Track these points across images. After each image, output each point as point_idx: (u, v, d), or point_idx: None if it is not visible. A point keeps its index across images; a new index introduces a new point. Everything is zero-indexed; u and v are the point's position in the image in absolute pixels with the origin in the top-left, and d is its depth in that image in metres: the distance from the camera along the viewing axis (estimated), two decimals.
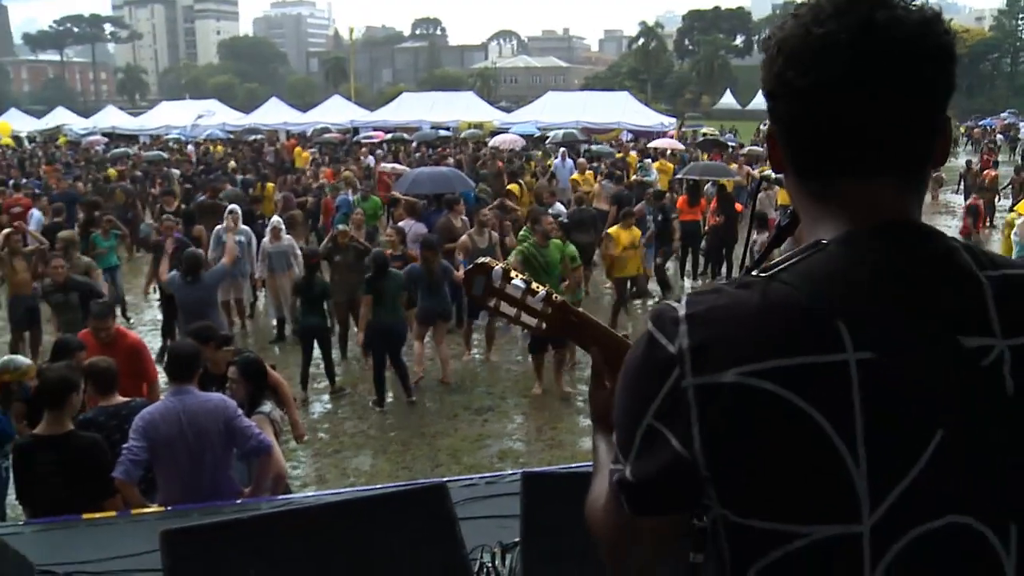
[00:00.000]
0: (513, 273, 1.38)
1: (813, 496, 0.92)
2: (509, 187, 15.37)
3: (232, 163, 24.48)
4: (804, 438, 0.91)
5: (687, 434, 0.95)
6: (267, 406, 4.98)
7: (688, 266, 14.27)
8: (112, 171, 23.53)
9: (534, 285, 1.38)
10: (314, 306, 9.04)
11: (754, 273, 1.01)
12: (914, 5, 0.99)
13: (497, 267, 1.38)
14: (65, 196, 16.13)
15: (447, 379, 9.14)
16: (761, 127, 39.22)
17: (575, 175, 18.71)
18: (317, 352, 9.09)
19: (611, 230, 11.11)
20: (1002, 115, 48.82)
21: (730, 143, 31.03)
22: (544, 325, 1.38)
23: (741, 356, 0.93)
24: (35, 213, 13.67)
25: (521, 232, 11.15)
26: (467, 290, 1.39)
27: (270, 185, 17.18)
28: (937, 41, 0.98)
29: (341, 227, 10.84)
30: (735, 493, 0.95)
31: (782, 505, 0.93)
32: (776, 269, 0.99)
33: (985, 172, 20.62)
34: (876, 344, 0.92)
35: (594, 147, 27.82)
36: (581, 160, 21.95)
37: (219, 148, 31.83)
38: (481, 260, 1.40)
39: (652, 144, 29.12)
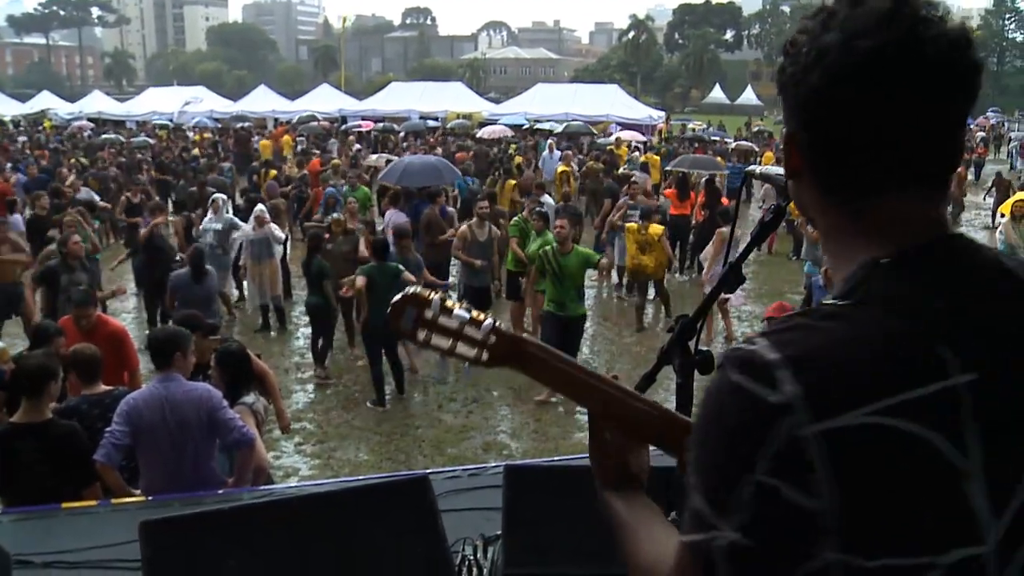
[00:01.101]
0: (454, 304, 1.28)
1: (944, 525, 0.92)
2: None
3: (197, 151, 24.18)
4: (933, 469, 0.91)
5: (813, 485, 0.90)
6: (250, 397, 4.95)
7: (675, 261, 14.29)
8: (84, 160, 23.41)
9: (479, 315, 1.28)
10: (313, 286, 9.25)
11: (828, 301, 0.98)
12: (949, 18, 0.99)
13: (435, 298, 1.28)
14: (37, 182, 15.98)
15: (415, 368, 9.13)
16: (762, 124, 39.35)
17: (562, 166, 18.69)
18: (303, 343, 9.06)
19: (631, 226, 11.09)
20: (987, 114, 49.08)
21: (714, 137, 31.07)
22: (486, 356, 1.27)
23: (862, 396, 0.90)
24: (17, 217, 13.32)
25: (514, 220, 11.13)
26: (394, 323, 1.27)
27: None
28: (973, 54, 0.99)
29: (335, 215, 10.83)
30: (866, 536, 0.92)
31: (916, 539, 0.92)
32: (848, 293, 0.98)
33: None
34: (976, 365, 0.93)
35: (600, 139, 27.78)
36: (567, 152, 21.98)
37: (206, 135, 31.49)
38: (414, 291, 1.29)
39: (616, 135, 29.30)
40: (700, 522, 0.97)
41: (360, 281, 8.24)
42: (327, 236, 10.01)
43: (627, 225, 11.38)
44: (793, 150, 1.06)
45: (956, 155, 1.03)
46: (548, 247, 8.52)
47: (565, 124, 31.83)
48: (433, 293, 1.28)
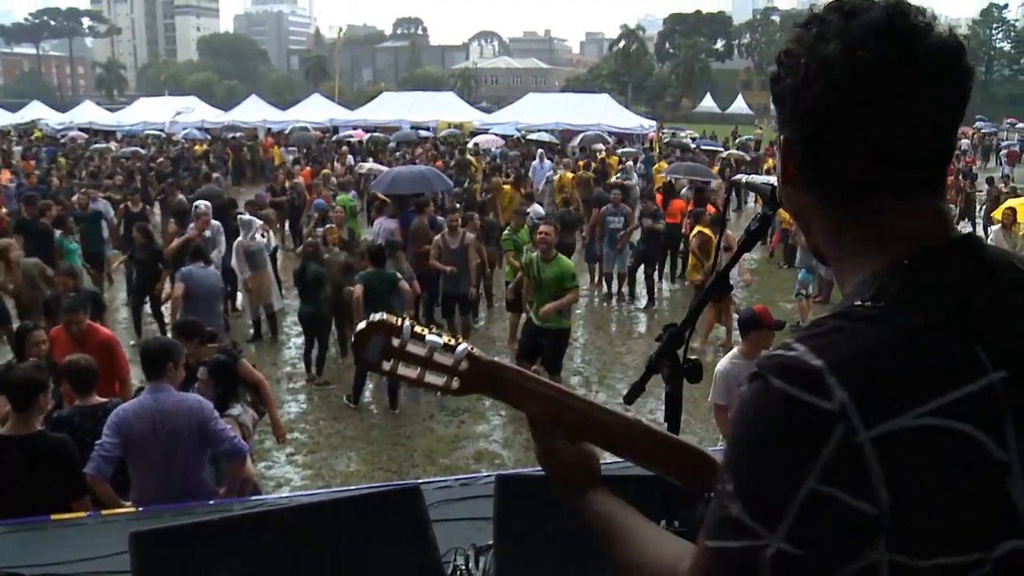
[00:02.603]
0: (425, 331, 1.23)
1: (990, 519, 0.94)
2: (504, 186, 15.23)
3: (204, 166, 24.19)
4: (980, 466, 0.93)
5: (870, 490, 0.91)
6: (236, 409, 4.93)
7: (664, 269, 14.33)
8: (63, 161, 23.33)
9: (451, 341, 1.24)
10: (307, 294, 9.28)
11: (858, 303, 0.99)
12: (938, 24, 1.01)
13: (405, 324, 1.22)
14: (35, 191, 15.92)
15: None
16: (753, 132, 39.40)
17: (565, 174, 18.71)
18: (295, 352, 9.04)
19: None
20: (976, 124, 49.29)
21: (705, 147, 31.10)
22: (456, 384, 1.24)
23: (913, 398, 0.91)
24: None
25: (504, 234, 11.18)
26: (358, 353, 1.23)
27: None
28: (966, 61, 1.02)
29: (330, 226, 10.87)
30: (919, 536, 0.93)
31: (966, 536, 0.93)
32: (879, 297, 0.99)
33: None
34: (1007, 362, 0.95)
35: (620, 151, 27.71)
36: (567, 159, 22.06)
37: (199, 148, 31.26)
38: (380, 318, 1.23)
39: (594, 146, 29.42)
40: (737, 529, 0.96)
41: (358, 290, 8.26)
42: (323, 246, 10.05)
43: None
44: (789, 157, 1.07)
45: (950, 158, 1.06)
46: (534, 254, 8.51)
47: (582, 135, 31.84)
48: (404, 319, 1.23)
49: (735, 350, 5.82)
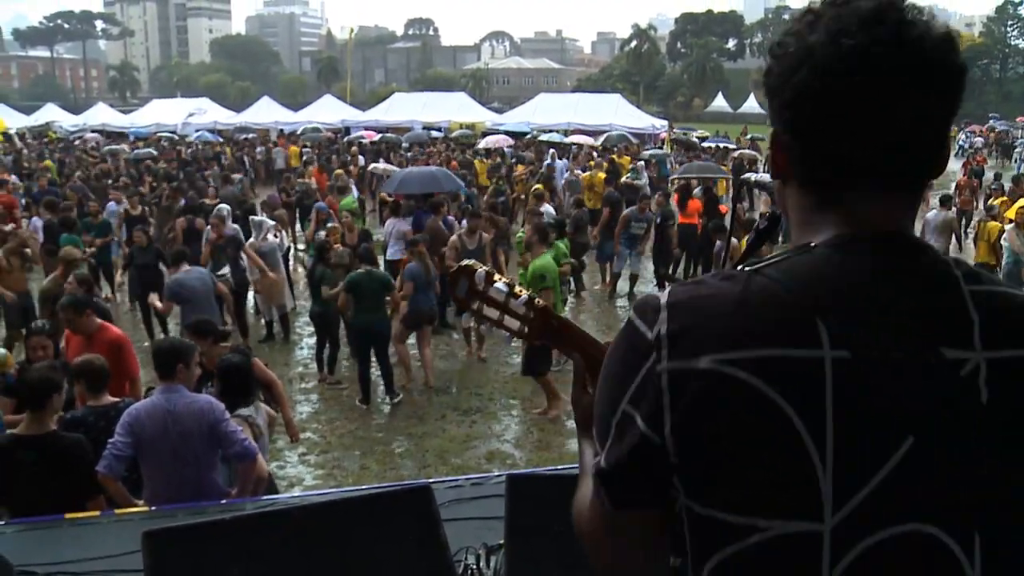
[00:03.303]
0: (496, 276, 1.37)
1: (776, 490, 0.92)
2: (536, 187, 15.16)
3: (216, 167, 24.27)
4: (772, 430, 0.91)
5: (658, 418, 0.95)
6: (247, 409, 4.94)
7: (678, 269, 14.28)
8: (49, 162, 23.34)
9: (516, 289, 1.37)
10: (315, 294, 9.37)
11: (739, 268, 1.01)
12: (935, 21, 1.01)
13: (480, 270, 1.36)
14: (47, 194, 16.02)
15: (430, 382, 9.14)
16: (762, 131, 39.27)
17: (598, 173, 18.72)
18: (307, 352, 9.08)
19: None
20: (990, 122, 48.94)
21: (711, 143, 31.04)
22: (526, 330, 1.37)
23: (717, 344, 0.94)
24: (35, 220, 13.36)
25: (518, 236, 11.19)
26: (451, 291, 1.38)
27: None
28: (956, 56, 1.00)
29: (332, 225, 10.90)
30: (700, 482, 0.95)
31: (744, 497, 0.93)
32: (760, 265, 1.00)
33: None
34: (854, 345, 0.93)
35: (649, 151, 27.65)
36: (598, 159, 22.15)
37: (217, 148, 31.10)
38: (466, 262, 1.40)
39: (572, 140, 29.45)
40: (595, 450, 1.05)
41: (342, 298, 8.46)
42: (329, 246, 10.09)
43: None
44: (778, 150, 1.07)
45: (932, 161, 1.02)
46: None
47: (605, 135, 31.81)
48: (479, 265, 1.37)
49: None
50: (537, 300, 1.37)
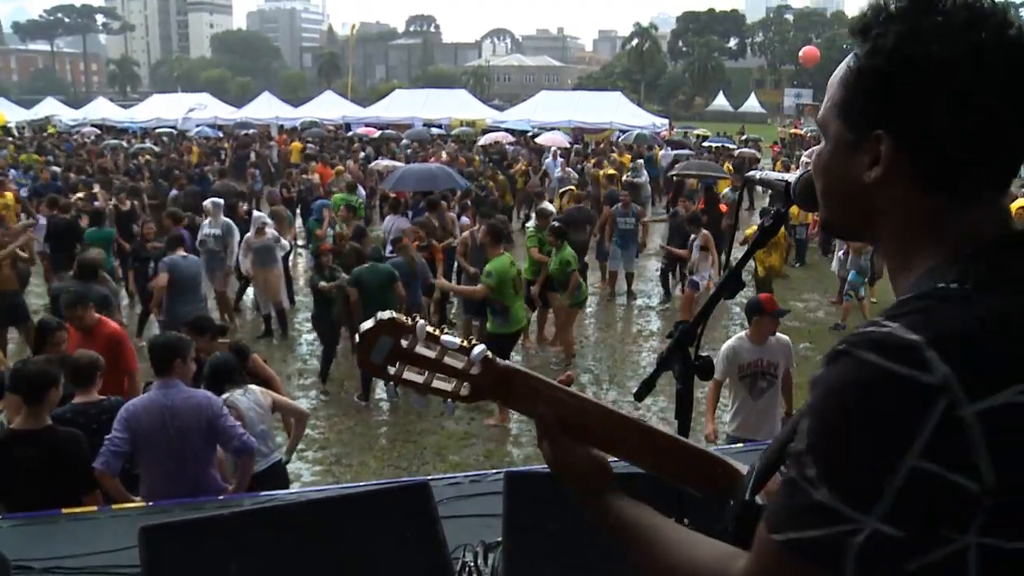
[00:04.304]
0: (437, 331, 1.16)
1: None
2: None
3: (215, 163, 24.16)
4: None
5: (974, 467, 0.89)
6: (233, 392, 4.95)
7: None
8: (35, 156, 23.21)
9: (467, 343, 1.17)
10: (316, 300, 9.27)
11: (940, 285, 0.98)
12: None
13: (419, 324, 1.14)
14: (48, 188, 15.99)
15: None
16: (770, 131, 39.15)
17: (608, 170, 18.74)
18: (306, 349, 9.06)
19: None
20: None
21: (711, 144, 31.02)
22: (466, 390, 1.19)
23: (1012, 375, 0.90)
24: (40, 219, 13.19)
25: (530, 231, 11.15)
26: (361, 356, 1.15)
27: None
28: None
29: (338, 229, 10.93)
30: (1016, 516, 0.91)
31: None
32: (962, 280, 0.98)
33: None
34: None
35: (674, 152, 27.57)
36: (623, 157, 22.18)
37: (194, 150, 30.29)
38: (390, 316, 1.15)
39: (540, 139, 29.39)
40: (822, 516, 0.93)
41: (353, 293, 8.44)
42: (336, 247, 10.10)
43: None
44: (897, 152, 1.03)
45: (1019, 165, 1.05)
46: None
47: (636, 132, 31.58)
48: (417, 319, 1.16)
49: (742, 332, 5.93)
50: (489, 354, 1.18)
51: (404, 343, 1.14)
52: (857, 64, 1.05)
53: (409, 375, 1.16)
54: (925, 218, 1.05)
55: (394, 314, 1.15)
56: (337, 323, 9.12)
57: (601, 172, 18.45)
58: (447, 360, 1.16)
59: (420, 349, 1.14)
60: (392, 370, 1.15)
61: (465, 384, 1.18)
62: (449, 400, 1.19)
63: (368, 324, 1.14)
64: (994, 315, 0.93)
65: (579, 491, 1.25)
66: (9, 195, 14.39)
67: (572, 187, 15.93)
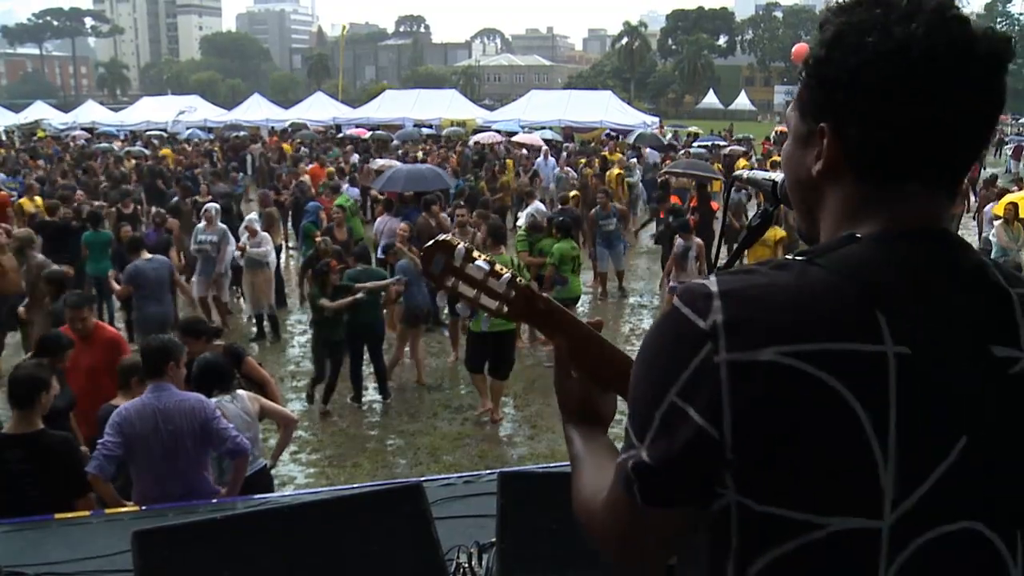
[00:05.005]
0: (477, 254, 1.31)
1: (838, 486, 0.91)
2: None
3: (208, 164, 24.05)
4: (837, 425, 0.90)
5: (716, 412, 0.91)
6: (222, 397, 4.94)
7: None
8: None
9: (498, 267, 1.31)
10: (315, 307, 8.72)
11: (789, 257, 1.00)
12: (991, 25, 1.03)
13: (460, 246, 1.30)
14: (40, 194, 15.89)
15: (423, 380, 9.13)
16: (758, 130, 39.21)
17: (614, 170, 18.78)
18: (298, 351, 9.02)
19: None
20: None
21: (700, 144, 31.03)
22: (506, 308, 1.31)
23: (780, 336, 0.91)
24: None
25: (519, 235, 11.16)
26: (425, 268, 1.32)
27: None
28: (1008, 60, 1.01)
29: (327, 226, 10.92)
30: (758, 478, 0.93)
31: (805, 493, 0.91)
32: (811, 254, 0.99)
33: None
34: (912, 340, 0.92)
35: (693, 148, 27.47)
36: (621, 157, 22.16)
37: (167, 152, 29.54)
38: (443, 237, 1.32)
39: (516, 139, 29.43)
40: (626, 440, 1.01)
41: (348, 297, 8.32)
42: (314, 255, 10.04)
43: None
44: (833, 140, 1.04)
45: (973, 155, 1.04)
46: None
47: (638, 134, 31.49)
48: (459, 241, 1.31)
49: None
50: (519, 279, 1.31)
51: (454, 261, 1.30)
52: (809, 57, 1.06)
53: (463, 288, 1.32)
54: (852, 206, 1.05)
55: (446, 236, 1.33)
56: (337, 348, 8.47)
57: (613, 173, 18.50)
58: (490, 283, 1.31)
59: (468, 270, 1.31)
60: (448, 282, 1.31)
61: (505, 305, 1.32)
62: (485, 315, 1.34)
63: (429, 243, 1.32)
64: (800, 282, 0.95)
65: (562, 413, 1.32)
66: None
67: (576, 191, 15.90)
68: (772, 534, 0.93)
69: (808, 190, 1.10)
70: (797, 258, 0.99)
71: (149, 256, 9.08)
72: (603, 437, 1.27)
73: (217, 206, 11.51)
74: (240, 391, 5.15)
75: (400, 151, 26.94)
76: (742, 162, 24.24)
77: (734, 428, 0.91)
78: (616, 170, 18.78)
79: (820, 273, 0.95)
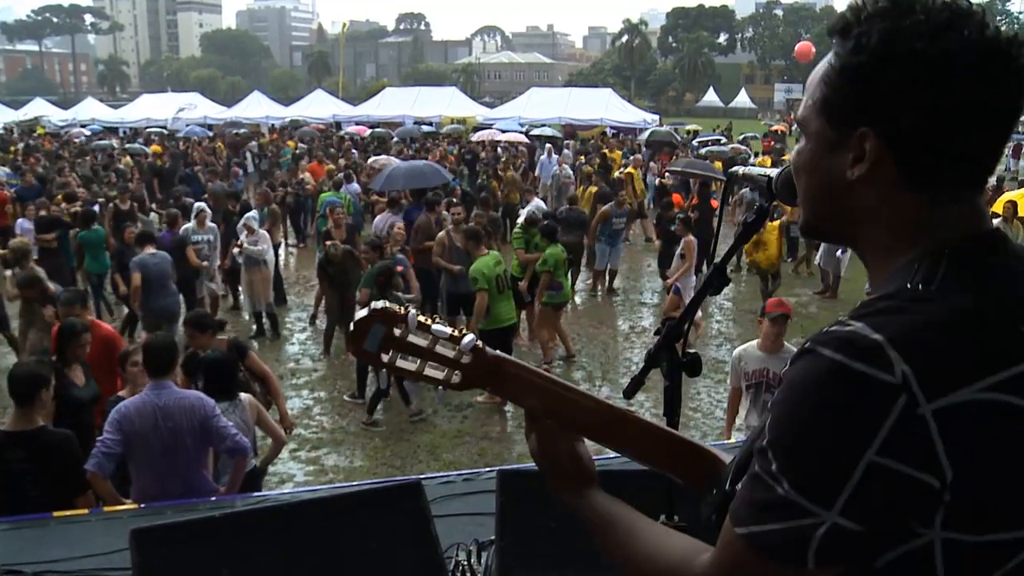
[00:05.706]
0: (431, 321, 1.18)
1: None
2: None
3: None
4: None
5: (932, 462, 0.91)
6: (221, 405, 4.93)
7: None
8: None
9: (458, 332, 1.20)
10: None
11: (907, 285, 1.00)
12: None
13: (411, 313, 1.17)
14: (31, 190, 15.89)
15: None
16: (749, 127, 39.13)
17: (631, 168, 18.77)
18: (298, 349, 8.99)
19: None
20: None
21: (701, 140, 31.01)
22: (457, 378, 1.19)
23: (972, 374, 0.92)
24: (23, 222, 12.79)
25: (516, 232, 11.13)
26: (355, 344, 1.16)
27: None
28: None
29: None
30: (975, 512, 0.93)
31: (1021, 513, 0.95)
32: (929, 281, 0.99)
33: None
34: None
35: (715, 148, 27.40)
36: (637, 156, 22.19)
37: (156, 149, 28.45)
38: (383, 305, 1.17)
39: (500, 138, 29.42)
40: (784, 510, 0.95)
41: (366, 292, 8.31)
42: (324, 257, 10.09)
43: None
44: (880, 148, 1.03)
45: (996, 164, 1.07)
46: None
47: (650, 131, 31.41)
48: (409, 308, 1.18)
49: (756, 340, 5.95)
50: (479, 343, 1.19)
51: (396, 332, 1.17)
52: (840, 62, 1.05)
53: (402, 363, 1.18)
54: (907, 215, 1.05)
55: (387, 304, 1.18)
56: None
57: (629, 171, 18.55)
58: (439, 349, 1.18)
59: (412, 338, 1.16)
60: (386, 358, 1.17)
61: (456, 372, 1.20)
62: (440, 388, 1.21)
63: (362, 313, 1.17)
64: (956, 314, 0.95)
65: (558, 484, 1.26)
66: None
67: (593, 187, 15.91)
68: (992, 559, 0.95)
69: (842, 195, 1.08)
70: (918, 285, 0.99)
71: (153, 250, 9.22)
72: (614, 497, 1.24)
73: (203, 205, 11.54)
74: (242, 396, 5.14)
75: (393, 151, 26.95)
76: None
77: (954, 472, 0.91)
78: (630, 168, 18.81)
79: (961, 300, 0.97)
